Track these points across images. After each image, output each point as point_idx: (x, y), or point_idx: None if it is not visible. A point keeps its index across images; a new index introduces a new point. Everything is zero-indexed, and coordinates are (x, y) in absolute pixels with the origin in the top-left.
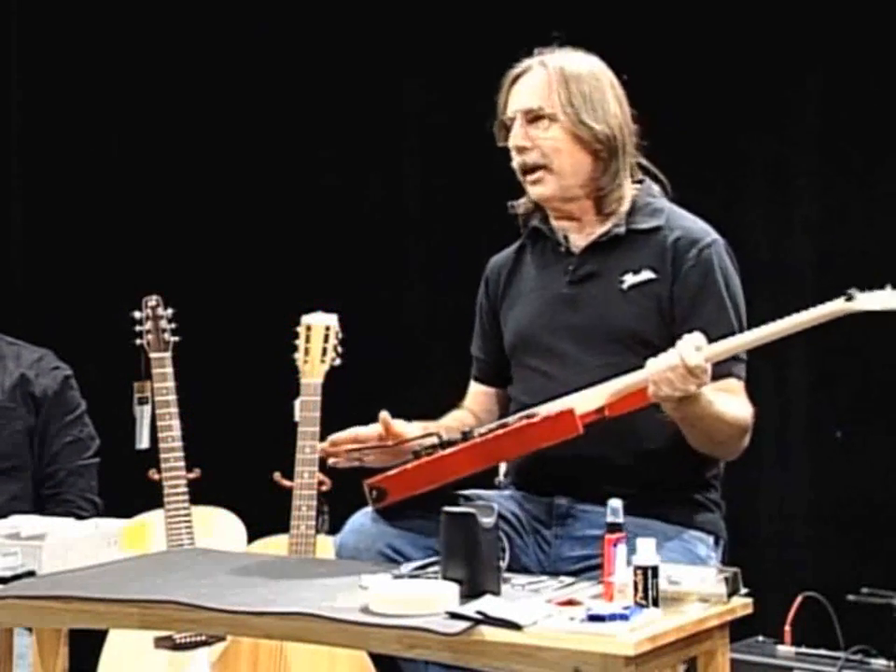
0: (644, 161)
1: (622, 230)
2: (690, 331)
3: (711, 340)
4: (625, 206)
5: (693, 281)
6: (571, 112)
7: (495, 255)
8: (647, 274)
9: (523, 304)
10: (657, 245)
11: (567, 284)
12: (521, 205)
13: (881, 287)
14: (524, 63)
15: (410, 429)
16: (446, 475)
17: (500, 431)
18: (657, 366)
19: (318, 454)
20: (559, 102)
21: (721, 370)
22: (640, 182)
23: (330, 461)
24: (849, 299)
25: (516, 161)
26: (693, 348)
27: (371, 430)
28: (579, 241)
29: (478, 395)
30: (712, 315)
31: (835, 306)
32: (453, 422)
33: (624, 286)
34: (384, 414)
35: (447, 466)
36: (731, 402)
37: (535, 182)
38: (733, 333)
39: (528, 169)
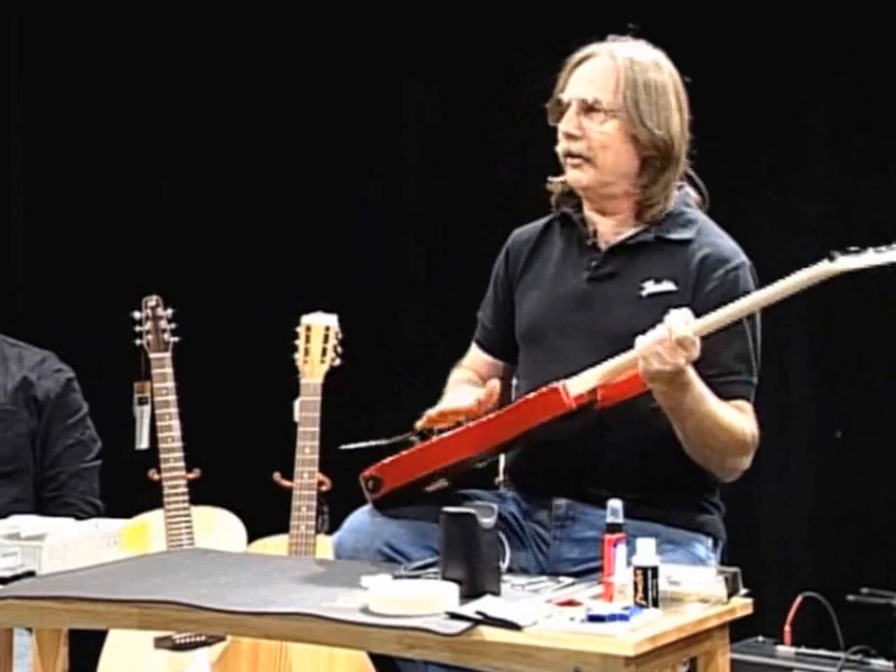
0: (689, 171)
1: (650, 236)
2: (703, 348)
3: (723, 360)
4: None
5: (715, 300)
6: (635, 113)
7: (518, 228)
8: (668, 286)
9: (539, 293)
10: (684, 259)
11: (586, 280)
12: (556, 184)
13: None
14: (591, 47)
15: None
16: (440, 460)
17: (492, 415)
18: (646, 341)
19: (423, 424)
20: (623, 101)
21: (729, 391)
22: (678, 188)
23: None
24: (832, 260)
25: (561, 146)
26: (681, 321)
27: (467, 404)
28: (607, 237)
29: (481, 362)
30: (728, 336)
31: (818, 269)
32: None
33: (644, 293)
34: (494, 384)
35: (441, 450)
36: (730, 412)
37: (575, 167)
38: (747, 357)
39: (572, 156)
